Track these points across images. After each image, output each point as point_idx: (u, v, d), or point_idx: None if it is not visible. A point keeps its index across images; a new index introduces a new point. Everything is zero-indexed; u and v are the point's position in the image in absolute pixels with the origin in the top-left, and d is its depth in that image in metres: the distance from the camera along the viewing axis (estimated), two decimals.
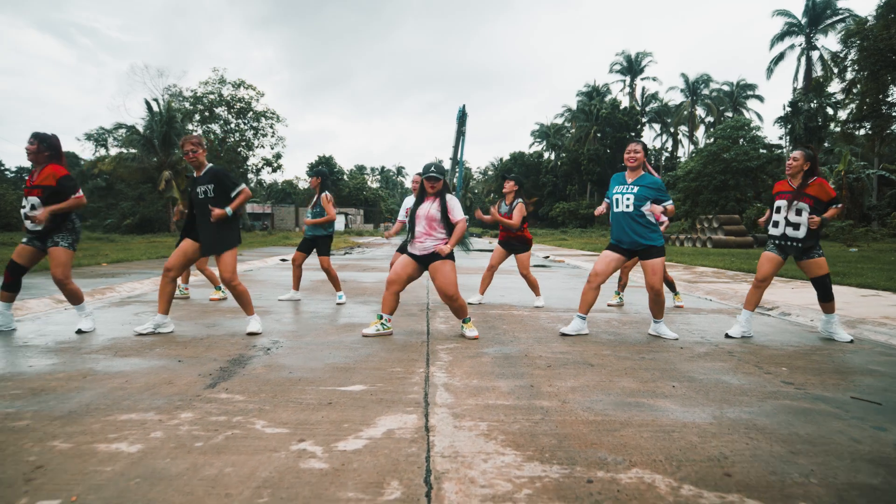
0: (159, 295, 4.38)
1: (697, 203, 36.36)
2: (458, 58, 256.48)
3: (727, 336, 4.59)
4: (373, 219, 74.82)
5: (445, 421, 2.47)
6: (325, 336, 4.41)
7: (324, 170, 6.52)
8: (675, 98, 58.36)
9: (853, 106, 30.61)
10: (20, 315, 5.07)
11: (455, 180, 47.92)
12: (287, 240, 27.69)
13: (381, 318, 4.45)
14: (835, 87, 36.82)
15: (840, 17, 40.44)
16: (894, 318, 5.14)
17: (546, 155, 67.84)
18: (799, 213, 4.46)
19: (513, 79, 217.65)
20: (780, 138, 40.95)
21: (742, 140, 37.17)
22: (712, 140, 39.88)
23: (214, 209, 4.32)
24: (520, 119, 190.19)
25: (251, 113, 42.50)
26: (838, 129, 32.79)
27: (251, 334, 4.39)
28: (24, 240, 4.37)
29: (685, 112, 56.15)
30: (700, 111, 56.36)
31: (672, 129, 57.94)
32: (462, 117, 46.07)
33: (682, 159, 52.57)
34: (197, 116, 41.19)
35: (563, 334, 4.53)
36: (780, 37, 43.52)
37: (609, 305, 6.45)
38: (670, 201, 4.49)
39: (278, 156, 45.11)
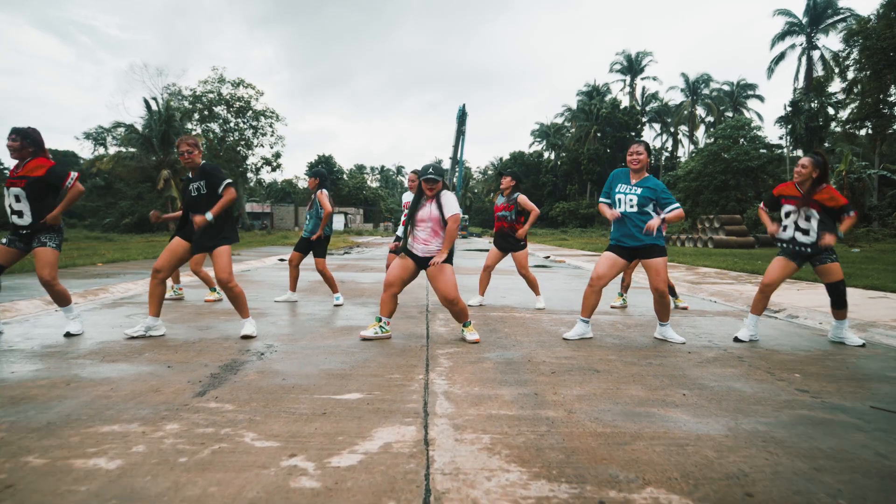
0: (149, 297, 4.24)
1: (698, 203, 36.25)
2: (457, 58, 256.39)
3: (736, 340, 4.45)
4: (372, 218, 74.69)
5: (446, 433, 2.33)
6: (321, 340, 4.27)
7: (322, 170, 6.38)
8: (676, 98, 58.26)
9: (853, 106, 30.56)
10: (8, 317, 4.94)
11: (455, 180, 47.79)
12: (286, 239, 27.55)
13: (379, 320, 4.32)
14: (836, 86, 36.83)
15: (841, 16, 40.27)
16: None
17: (546, 154, 67.69)
18: (808, 219, 4.33)
19: (513, 79, 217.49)
20: (781, 138, 40.87)
21: (742, 140, 37.06)
22: (712, 140, 39.75)
23: (195, 216, 4.20)
24: (519, 119, 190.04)
25: (250, 112, 42.35)
26: (839, 128, 32.71)
27: (245, 338, 4.25)
28: (4, 241, 4.19)
29: (685, 112, 56.00)
30: (700, 111, 56.20)
31: (672, 129, 57.80)
32: (462, 116, 45.96)
33: (683, 159, 52.46)
34: (196, 115, 41.04)
35: (566, 339, 4.40)
36: (781, 36, 43.34)
37: (612, 307, 6.32)
38: (677, 205, 4.33)
39: (278, 155, 44.97)
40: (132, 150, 37.43)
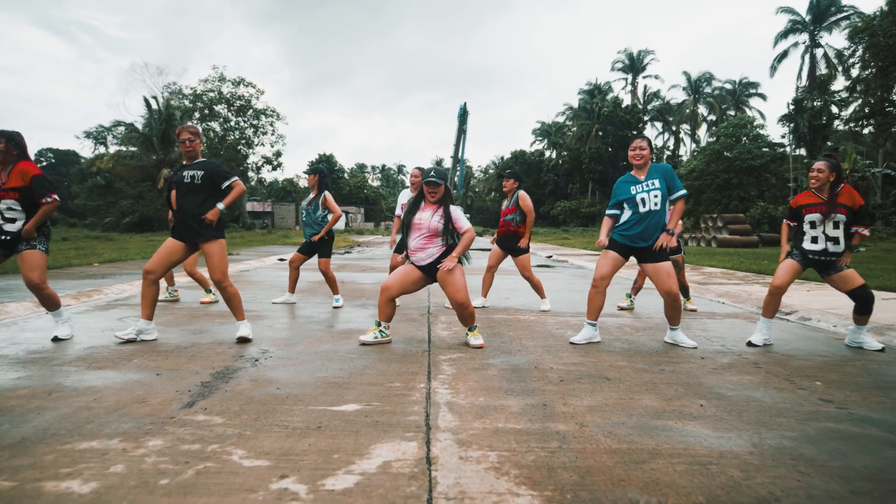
0: (141, 299, 4.08)
1: (701, 202, 36.04)
2: (458, 57, 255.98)
3: (749, 344, 4.28)
4: (373, 217, 74.53)
5: (450, 450, 2.17)
6: (318, 344, 4.11)
7: (322, 167, 6.22)
8: (678, 96, 57.94)
9: (856, 105, 30.32)
10: None
11: (456, 179, 47.63)
12: (287, 239, 27.39)
13: (378, 325, 4.16)
14: (839, 84, 36.59)
15: (844, 14, 40.02)
16: None
17: (547, 153, 67.42)
18: (837, 225, 4.14)
19: (513, 78, 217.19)
20: (783, 136, 40.53)
21: (745, 139, 36.84)
22: (715, 138, 39.52)
23: (209, 213, 4.06)
24: (520, 119, 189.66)
25: (251, 111, 42.20)
26: (844, 126, 32.46)
27: (241, 340, 4.09)
28: None
29: (687, 110, 55.74)
30: (702, 109, 55.96)
31: (674, 128, 57.54)
32: (463, 115, 45.80)
33: (684, 158, 52.20)
34: (197, 114, 40.89)
35: (574, 343, 4.23)
36: (784, 34, 43.10)
37: (620, 308, 6.14)
38: (683, 191, 4.18)
39: (278, 154, 44.80)
40: (132, 149, 37.31)
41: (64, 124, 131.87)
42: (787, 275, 4.28)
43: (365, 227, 61.81)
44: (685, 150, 57.68)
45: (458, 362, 3.63)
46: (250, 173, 45.80)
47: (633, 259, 4.36)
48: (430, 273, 4.12)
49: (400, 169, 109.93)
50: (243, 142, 42.66)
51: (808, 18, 41.98)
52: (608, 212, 4.41)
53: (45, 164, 68.70)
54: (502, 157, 74.86)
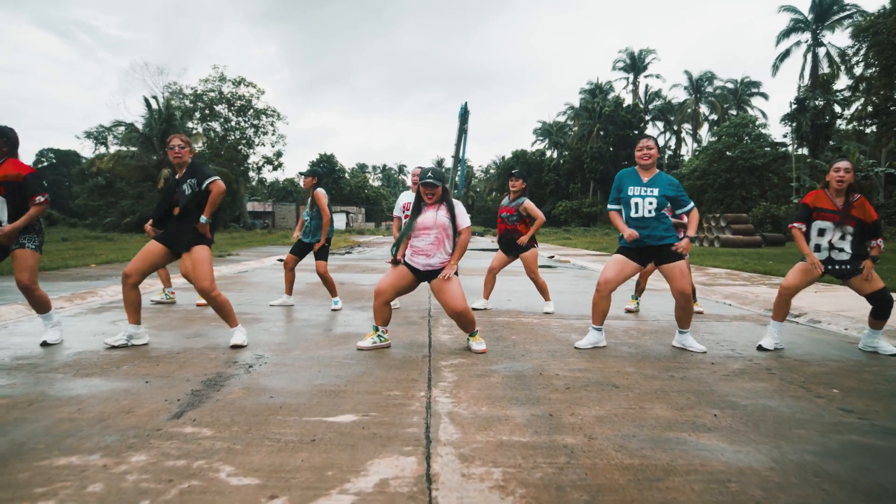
0: (125, 305, 3.94)
1: (703, 202, 35.89)
2: (458, 57, 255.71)
3: (760, 348, 4.14)
4: (374, 217, 74.39)
5: (451, 466, 2.04)
6: (315, 350, 3.98)
7: (318, 170, 6.06)
8: (679, 96, 57.78)
9: (859, 104, 30.14)
10: None
11: (457, 178, 47.47)
12: (286, 239, 27.26)
13: (376, 329, 4.02)
14: (841, 83, 36.42)
15: (847, 12, 39.83)
16: None
17: (548, 153, 67.24)
18: (844, 237, 3.99)
19: (513, 78, 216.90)
20: (785, 136, 40.31)
21: (746, 138, 36.67)
22: (716, 138, 39.35)
23: (198, 226, 3.97)
24: (521, 118, 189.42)
25: (251, 111, 42.10)
26: (850, 125, 32.29)
27: (235, 347, 3.96)
28: None
29: (689, 110, 55.59)
30: (704, 109, 55.80)
31: (675, 127, 57.36)
32: (464, 115, 45.64)
33: (686, 157, 52.06)
34: (197, 114, 40.81)
35: (579, 349, 4.10)
36: (786, 33, 42.91)
37: (627, 311, 6.00)
38: (692, 204, 4.07)
39: (279, 154, 44.70)
40: (133, 149, 37.18)
41: (64, 124, 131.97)
42: (799, 277, 4.12)
43: (366, 227, 61.66)
44: (686, 150, 57.57)
45: (460, 368, 3.50)
46: (251, 173, 45.72)
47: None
48: (422, 278, 3.98)
49: (401, 169, 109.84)
50: (244, 142, 42.57)
51: (810, 17, 41.80)
52: (611, 206, 4.24)
53: (45, 164, 68.68)
54: (503, 157, 74.71)
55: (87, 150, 48.15)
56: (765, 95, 53.57)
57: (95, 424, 2.40)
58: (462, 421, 2.53)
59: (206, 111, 41.00)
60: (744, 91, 53.03)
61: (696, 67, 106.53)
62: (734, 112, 51.07)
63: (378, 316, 3.98)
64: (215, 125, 41.74)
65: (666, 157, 56.86)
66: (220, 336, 4.37)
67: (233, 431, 2.35)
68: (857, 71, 26.71)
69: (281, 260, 13.47)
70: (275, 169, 45.56)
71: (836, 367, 3.67)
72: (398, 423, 2.49)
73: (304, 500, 1.77)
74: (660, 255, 4.03)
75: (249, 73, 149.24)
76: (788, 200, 34.24)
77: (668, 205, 4.07)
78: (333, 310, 5.84)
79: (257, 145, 43.48)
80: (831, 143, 37.74)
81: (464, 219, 3.95)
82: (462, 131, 46.20)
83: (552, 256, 16.80)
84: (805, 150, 38.33)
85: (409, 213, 4.49)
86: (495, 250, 19.34)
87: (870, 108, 26.86)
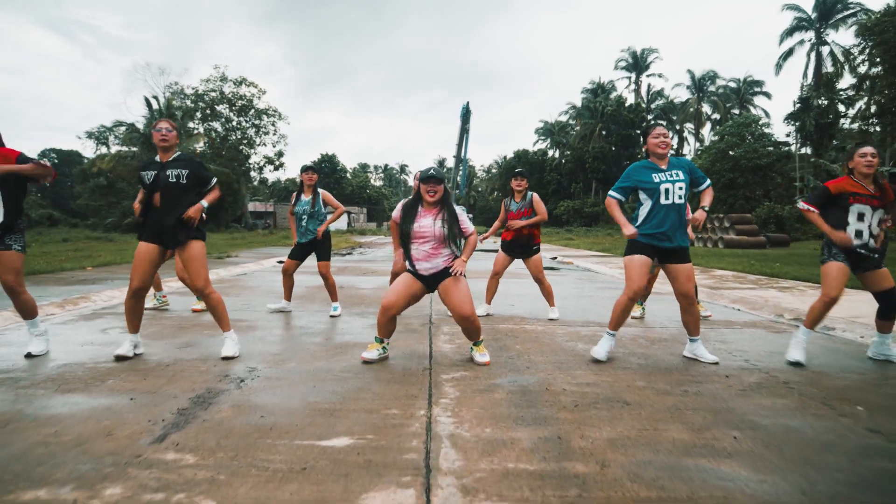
0: (129, 316, 3.78)
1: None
2: (459, 56, 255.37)
3: (796, 364, 3.83)
4: (376, 217, 74.26)
5: (452, 501, 1.87)
6: (311, 361, 3.81)
7: (312, 165, 5.94)
8: (681, 95, 57.54)
9: (862, 103, 29.90)
10: None
11: (459, 178, 47.32)
12: (288, 240, 27.09)
13: (381, 341, 3.85)
14: (845, 82, 36.17)
15: (851, 11, 39.62)
16: None
17: (550, 153, 67.04)
18: (880, 222, 3.83)
19: (515, 78, 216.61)
20: (788, 135, 40.09)
21: (749, 137, 36.43)
22: (719, 137, 39.13)
23: (190, 209, 3.79)
24: (523, 118, 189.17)
25: (253, 111, 42.00)
26: (854, 125, 32.05)
27: (226, 359, 3.80)
28: None
29: (691, 109, 55.35)
30: (706, 108, 55.55)
31: (678, 127, 57.10)
32: (466, 115, 45.51)
33: (689, 157, 51.79)
34: (198, 114, 40.70)
35: (596, 360, 3.85)
36: (790, 32, 42.68)
37: (632, 318, 5.83)
38: (708, 181, 3.95)
39: (280, 154, 44.61)
40: (134, 149, 37.08)
41: (66, 125, 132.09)
42: (842, 282, 3.82)
43: (367, 227, 61.51)
44: (689, 150, 57.27)
45: (462, 382, 3.33)
46: (252, 173, 45.61)
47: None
48: (432, 284, 3.81)
49: (402, 168, 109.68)
50: (245, 142, 42.48)
51: (813, 16, 41.56)
52: (613, 193, 3.94)
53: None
54: (505, 157, 74.56)
55: (88, 150, 48.24)
56: (768, 95, 53.34)
57: (71, 450, 2.24)
58: (464, 445, 2.36)
59: (208, 111, 40.91)
60: (746, 90, 52.79)
61: (699, 66, 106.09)
62: (737, 111, 50.83)
63: (383, 329, 3.81)
64: (216, 125, 41.66)
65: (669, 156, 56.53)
66: (214, 346, 4.21)
67: (218, 458, 2.18)
68: (862, 69, 26.51)
69: (281, 262, 13.32)
70: (276, 169, 45.51)
71: (857, 381, 3.49)
72: (396, 447, 2.33)
73: None
74: (677, 256, 3.85)
75: (251, 73, 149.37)
76: (792, 200, 33.99)
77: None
78: (332, 316, 5.68)
79: (258, 145, 43.45)
80: (835, 142, 37.52)
81: (467, 225, 3.79)
82: (464, 131, 46.07)
83: (555, 258, 16.62)
84: (808, 150, 38.10)
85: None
86: (497, 251, 19.03)
87: (874, 108, 26.65)
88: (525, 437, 2.46)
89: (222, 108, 41.42)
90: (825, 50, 41.81)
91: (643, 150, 3.98)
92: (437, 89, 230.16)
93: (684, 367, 3.77)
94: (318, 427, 2.54)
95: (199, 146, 39.04)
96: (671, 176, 3.79)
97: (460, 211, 3.85)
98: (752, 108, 51.27)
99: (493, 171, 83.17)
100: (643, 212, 3.86)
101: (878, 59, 21.81)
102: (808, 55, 42.76)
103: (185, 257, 3.83)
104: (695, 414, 2.80)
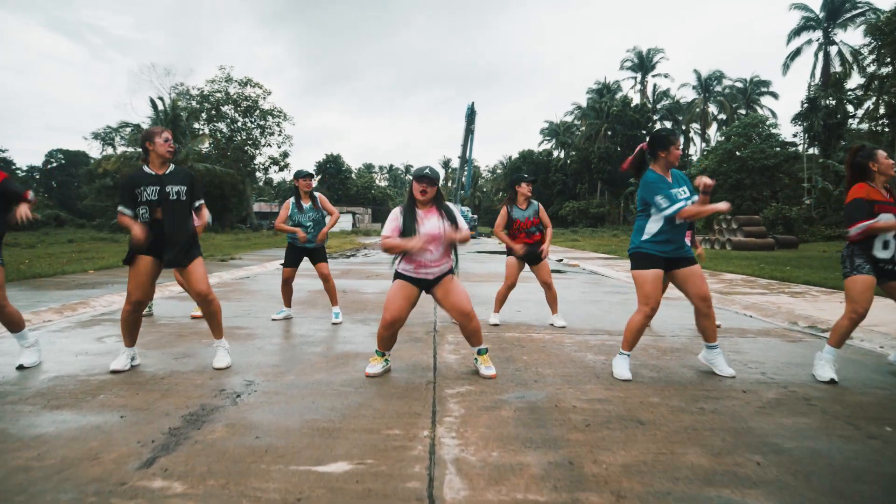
0: (127, 329, 3.67)
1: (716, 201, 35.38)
2: (464, 56, 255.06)
3: (829, 382, 3.58)
4: (381, 218, 74.17)
5: None
6: (311, 373, 3.68)
7: (306, 171, 5.82)
8: (687, 95, 57.24)
9: (870, 102, 29.58)
10: None
11: (464, 179, 47.16)
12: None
13: (382, 355, 3.71)
14: (853, 82, 35.81)
15: (859, 10, 39.22)
16: None
17: (555, 153, 66.86)
18: None
19: (519, 77, 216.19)
20: (795, 136, 39.75)
21: (756, 138, 36.16)
22: (725, 138, 38.85)
23: (198, 228, 3.80)
24: (527, 118, 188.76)
25: (258, 111, 42.01)
26: (865, 125, 31.72)
27: (218, 370, 3.68)
28: None
29: (697, 109, 55.05)
30: (712, 108, 55.23)
31: (684, 127, 56.78)
32: (471, 115, 45.32)
33: (695, 157, 51.47)
34: (203, 115, 40.74)
35: (625, 380, 3.61)
36: (797, 31, 42.31)
37: None
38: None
39: (285, 154, 44.62)
40: (139, 149, 37.12)
41: (73, 125, 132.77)
42: (870, 297, 3.56)
43: (372, 228, 61.42)
44: (695, 150, 56.95)
45: (468, 398, 3.19)
46: (258, 174, 45.66)
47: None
48: (428, 286, 3.67)
49: (407, 169, 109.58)
50: (250, 142, 42.49)
51: (821, 15, 41.20)
52: (674, 205, 3.49)
53: (54, 164, 68.95)
54: (510, 157, 74.44)
55: (94, 151, 48.36)
56: (775, 95, 52.95)
57: (53, 476, 2.12)
58: (470, 471, 2.22)
59: (213, 112, 40.95)
60: (753, 90, 52.44)
61: (705, 66, 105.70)
62: (743, 111, 50.54)
63: (386, 343, 3.67)
64: (222, 126, 41.69)
65: None
66: (211, 356, 4.07)
67: (208, 486, 2.05)
68: (871, 69, 26.20)
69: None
70: (281, 170, 45.53)
71: (882, 397, 3.33)
72: (397, 473, 2.19)
73: None
74: (686, 260, 3.69)
75: (258, 73, 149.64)
76: (800, 201, 33.72)
77: None
78: (334, 323, 5.55)
79: (263, 146, 43.44)
80: (843, 142, 37.19)
81: (462, 221, 3.64)
82: (469, 131, 45.88)
83: (561, 260, 16.46)
84: (816, 150, 37.76)
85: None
86: (503, 253, 18.86)
87: (882, 109, 26.34)
88: (534, 461, 2.32)
89: (227, 109, 41.45)
90: (833, 50, 41.45)
91: (660, 155, 3.71)
92: (442, 88, 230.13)
93: (699, 381, 3.61)
94: (316, 449, 2.41)
95: (205, 147, 39.07)
96: (682, 193, 3.61)
97: (455, 208, 3.73)
98: (758, 109, 50.94)
99: (498, 171, 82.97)
100: (653, 226, 3.62)
101: (887, 59, 21.58)
102: (816, 55, 42.42)
103: (189, 271, 3.73)
104: (713, 435, 2.64)
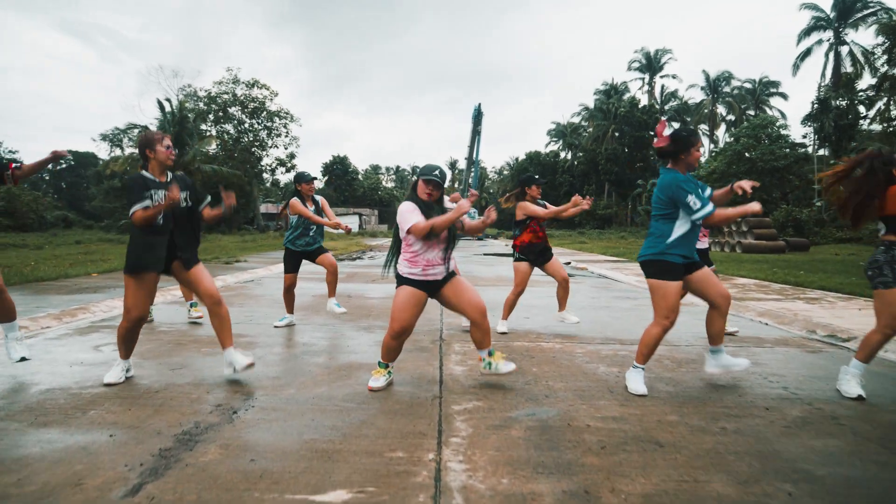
0: (124, 342, 3.55)
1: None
2: (470, 57, 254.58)
3: (855, 398, 3.39)
4: (387, 219, 74.11)
5: None
6: (312, 387, 3.53)
7: (304, 174, 5.72)
8: (696, 96, 56.84)
9: (881, 103, 29.18)
10: None
11: (471, 180, 46.99)
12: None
13: (386, 366, 3.56)
14: (864, 83, 35.36)
15: (871, 10, 38.78)
16: None
17: (562, 154, 66.58)
18: None
19: (526, 78, 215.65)
20: (804, 136, 39.33)
21: (765, 139, 35.79)
22: (734, 139, 38.49)
23: (217, 210, 3.73)
24: (534, 119, 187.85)
25: (265, 113, 42.05)
26: (871, 126, 31.35)
27: (247, 368, 3.59)
28: None
29: (705, 110, 54.65)
30: (721, 109, 54.81)
31: (692, 128, 56.31)
32: (477, 116, 45.20)
33: (703, 159, 51.09)
34: (211, 116, 40.80)
35: (640, 395, 3.44)
36: (807, 32, 41.92)
37: None
38: None
39: (292, 156, 44.68)
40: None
41: (83, 126, 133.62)
42: None
43: (378, 230, 61.34)
44: (703, 151, 56.48)
45: (475, 416, 3.03)
46: (265, 175, 45.71)
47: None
48: (434, 289, 3.52)
49: (414, 170, 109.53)
50: (257, 144, 42.53)
51: (832, 15, 40.79)
52: (707, 207, 3.28)
53: (63, 165, 69.33)
54: (516, 158, 74.20)
55: (103, 152, 48.63)
56: (784, 95, 52.46)
57: None
58: (478, 501, 2.06)
59: (220, 113, 41.01)
60: (762, 91, 52.01)
61: (714, 67, 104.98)
62: (752, 112, 50.12)
63: (392, 355, 3.53)
64: (229, 127, 41.76)
65: None
66: (209, 367, 3.95)
67: None
68: (883, 69, 25.83)
69: None
70: (288, 171, 45.55)
71: None
72: (399, 502, 2.04)
73: None
74: (693, 263, 3.53)
75: (265, 74, 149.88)
76: (811, 203, 33.32)
77: None
78: (334, 311, 5.59)
79: (270, 147, 43.50)
80: (853, 144, 36.75)
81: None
82: (475, 133, 45.76)
83: (568, 263, 16.26)
84: (826, 151, 37.33)
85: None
86: (510, 255, 18.63)
87: (894, 110, 25.98)
88: (547, 490, 2.16)
89: (234, 111, 41.51)
90: (844, 50, 41.02)
91: (679, 157, 3.50)
92: (449, 89, 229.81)
93: (718, 397, 3.44)
94: (314, 474, 2.26)
95: (212, 148, 39.12)
96: (705, 192, 3.46)
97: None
98: (767, 109, 50.54)
99: (505, 172, 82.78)
100: (678, 230, 3.41)
101: None
102: (827, 55, 42.01)
103: (194, 273, 3.62)
104: (739, 460, 2.47)
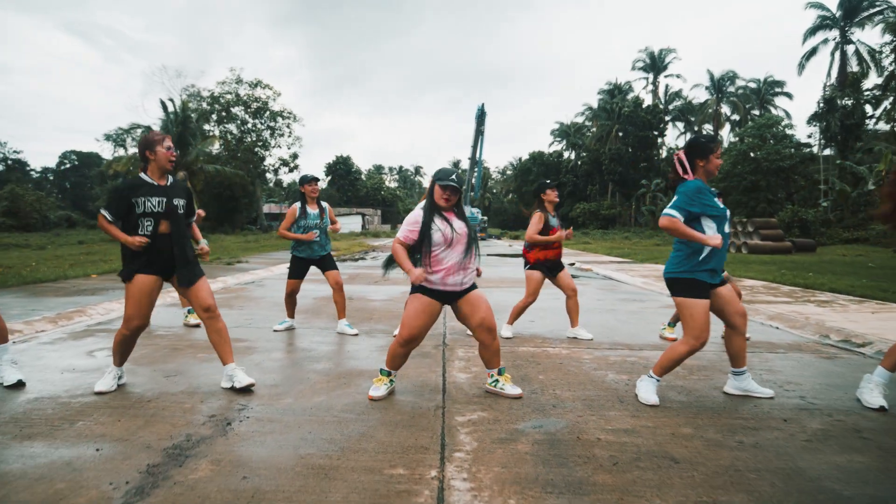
0: (120, 349, 3.44)
1: (727, 205, 34.83)
2: (474, 57, 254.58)
3: (877, 409, 3.23)
4: (390, 219, 74.03)
5: None
6: (311, 396, 3.40)
7: (316, 176, 5.59)
8: (700, 96, 56.52)
9: (888, 102, 28.94)
10: None
11: (474, 180, 46.82)
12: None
13: (388, 374, 3.43)
14: (871, 82, 35.10)
15: (878, 9, 38.47)
16: None
17: (566, 154, 66.36)
18: None
19: (530, 78, 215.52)
20: (809, 136, 39.10)
21: (770, 139, 35.55)
22: (739, 139, 38.25)
23: (205, 248, 3.51)
24: (538, 119, 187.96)
25: (268, 113, 42.01)
26: (878, 126, 31.10)
27: (248, 388, 3.44)
28: None
29: (710, 110, 54.32)
30: (725, 109, 54.51)
31: (696, 128, 56.07)
32: (481, 116, 44.97)
33: None
34: (214, 116, 40.78)
35: (651, 403, 3.30)
36: (813, 31, 41.63)
37: (666, 339, 5.33)
38: None
39: (295, 156, 44.66)
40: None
41: (87, 126, 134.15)
42: None
43: (381, 230, 61.24)
44: None
45: (480, 428, 2.89)
46: (268, 175, 45.70)
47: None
48: (450, 298, 3.38)
49: (417, 170, 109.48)
50: (260, 144, 42.50)
51: (838, 14, 40.49)
52: (675, 213, 3.16)
53: (68, 166, 69.48)
54: (520, 159, 74.04)
55: (107, 152, 48.66)
56: (789, 95, 52.07)
57: None
58: None
59: (223, 113, 40.99)
60: (767, 91, 51.68)
61: (718, 66, 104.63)
62: (757, 112, 49.83)
63: (395, 361, 3.40)
64: (232, 127, 41.74)
65: None
66: (204, 375, 3.82)
67: None
68: (890, 68, 25.64)
69: None
70: (291, 171, 45.59)
71: None
72: None
73: None
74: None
75: (269, 75, 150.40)
76: (817, 203, 33.06)
77: None
78: (340, 333, 5.32)
79: (273, 147, 43.50)
80: (859, 143, 36.46)
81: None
82: (479, 133, 45.53)
83: (573, 264, 16.09)
84: (832, 151, 37.06)
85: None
86: (515, 256, 18.51)
87: None
88: None
89: (238, 111, 41.48)
90: (850, 49, 40.71)
91: (698, 164, 3.32)
92: (452, 89, 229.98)
93: (733, 407, 3.29)
94: (309, 494, 2.13)
95: (215, 148, 39.07)
96: (724, 206, 3.30)
97: (464, 209, 3.51)
98: (772, 109, 50.21)
99: (509, 172, 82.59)
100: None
101: None
102: (832, 54, 41.69)
103: (195, 288, 3.47)
104: (759, 479, 2.33)
